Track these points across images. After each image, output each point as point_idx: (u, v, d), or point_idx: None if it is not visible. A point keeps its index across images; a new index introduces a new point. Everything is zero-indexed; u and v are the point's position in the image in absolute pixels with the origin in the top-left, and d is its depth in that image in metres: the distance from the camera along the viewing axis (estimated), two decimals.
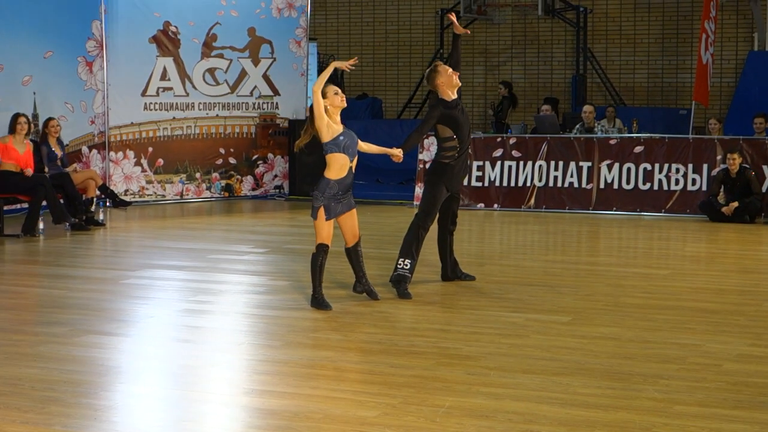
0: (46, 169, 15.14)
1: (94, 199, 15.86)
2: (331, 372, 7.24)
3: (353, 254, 9.67)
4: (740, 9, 25.14)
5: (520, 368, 7.30)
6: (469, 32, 11.60)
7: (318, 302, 9.36)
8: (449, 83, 10.21)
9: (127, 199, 17.84)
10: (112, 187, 17.57)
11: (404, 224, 9.90)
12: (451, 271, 10.73)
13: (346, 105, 9.42)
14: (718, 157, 16.62)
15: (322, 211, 9.26)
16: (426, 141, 17.67)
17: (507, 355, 7.69)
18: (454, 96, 10.23)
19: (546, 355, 7.70)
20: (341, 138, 9.28)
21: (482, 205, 17.80)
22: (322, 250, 9.34)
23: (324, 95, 9.27)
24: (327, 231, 9.35)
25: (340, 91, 9.33)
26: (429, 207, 10.24)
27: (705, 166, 16.80)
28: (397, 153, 9.79)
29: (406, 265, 10.05)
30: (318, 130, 9.27)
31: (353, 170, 9.43)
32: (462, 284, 10.58)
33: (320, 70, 26.84)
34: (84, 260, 12.79)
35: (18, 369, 7.24)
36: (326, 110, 9.26)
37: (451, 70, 10.27)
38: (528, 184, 17.69)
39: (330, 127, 9.26)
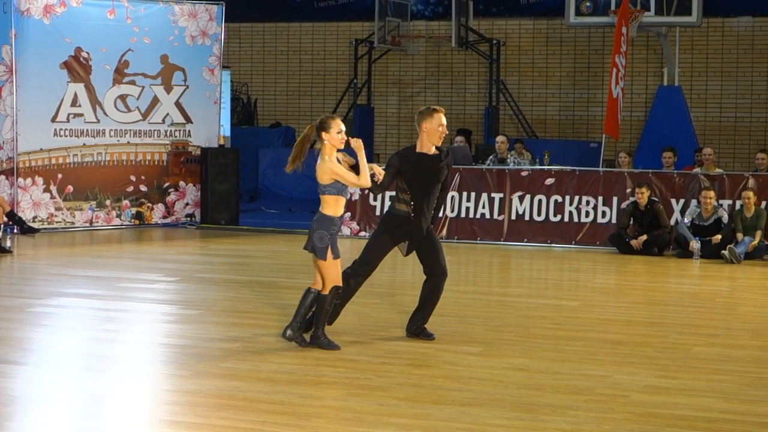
0: None
1: (2, 226, 15.62)
2: (241, 402, 7.19)
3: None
4: (650, 44, 25.55)
5: (430, 399, 7.31)
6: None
7: (325, 343, 8.90)
8: (433, 134, 9.14)
9: (36, 226, 17.61)
10: (20, 214, 17.33)
11: None
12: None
13: (342, 146, 8.95)
14: (628, 191, 16.80)
15: (330, 251, 8.91)
16: None
17: (417, 386, 7.69)
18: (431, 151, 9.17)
19: (456, 385, 7.71)
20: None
21: None
22: (336, 292, 8.98)
23: (327, 128, 8.84)
24: (337, 270, 8.98)
25: (343, 129, 8.91)
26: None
27: (615, 199, 16.97)
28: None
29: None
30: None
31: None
32: (372, 315, 10.54)
33: (233, 99, 26.80)
34: None
35: None
36: (324, 146, 8.88)
37: (442, 120, 9.13)
38: (440, 214, 17.70)
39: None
